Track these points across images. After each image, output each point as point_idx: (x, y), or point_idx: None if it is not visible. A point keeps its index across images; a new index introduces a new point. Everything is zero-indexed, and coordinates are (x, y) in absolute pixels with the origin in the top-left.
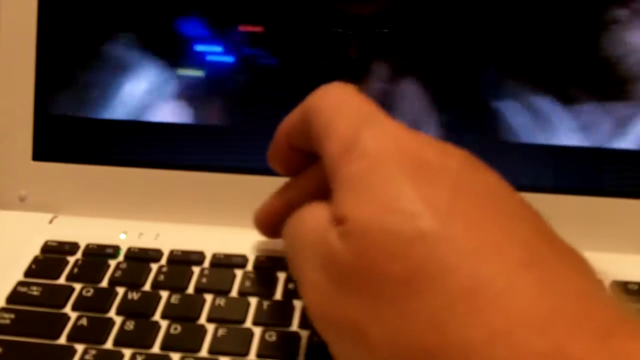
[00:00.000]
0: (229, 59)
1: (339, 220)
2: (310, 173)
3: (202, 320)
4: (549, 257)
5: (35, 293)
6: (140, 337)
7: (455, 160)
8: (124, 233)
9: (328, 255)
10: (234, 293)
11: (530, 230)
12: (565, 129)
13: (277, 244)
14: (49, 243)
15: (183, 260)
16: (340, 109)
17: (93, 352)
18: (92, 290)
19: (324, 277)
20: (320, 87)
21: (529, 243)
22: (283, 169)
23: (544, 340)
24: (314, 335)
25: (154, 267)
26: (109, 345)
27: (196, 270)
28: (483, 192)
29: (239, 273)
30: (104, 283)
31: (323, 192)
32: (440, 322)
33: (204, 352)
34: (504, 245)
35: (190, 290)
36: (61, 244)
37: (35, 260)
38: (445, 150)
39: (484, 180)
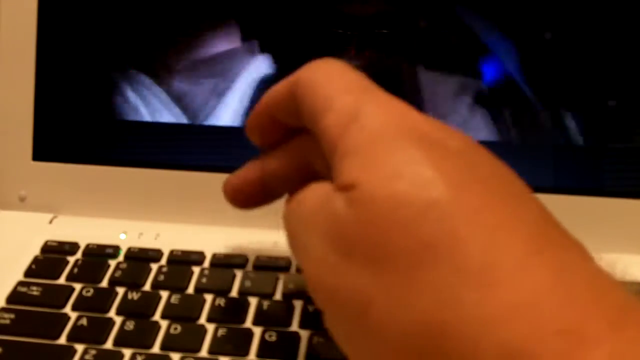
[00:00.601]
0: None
1: (345, 188)
2: (291, 146)
3: (202, 320)
4: (558, 240)
5: (35, 293)
6: (140, 337)
7: (461, 140)
8: (124, 233)
9: (333, 223)
10: (233, 293)
11: (539, 213)
12: None
13: (278, 244)
14: (49, 243)
15: (183, 260)
16: (336, 84)
17: (93, 352)
18: (92, 290)
19: (328, 247)
20: (311, 63)
21: (538, 225)
22: (260, 140)
23: (565, 317)
24: (314, 335)
25: (154, 267)
26: (109, 345)
27: (196, 270)
28: (491, 172)
29: (238, 273)
30: (104, 283)
31: (301, 167)
32: (454, 297)
33: (204, 352)
34: (516, 223)
35: (190, 290)
36: (61, 244)
37: (35, 260)
38: (450, 130)
39: (490, 162)
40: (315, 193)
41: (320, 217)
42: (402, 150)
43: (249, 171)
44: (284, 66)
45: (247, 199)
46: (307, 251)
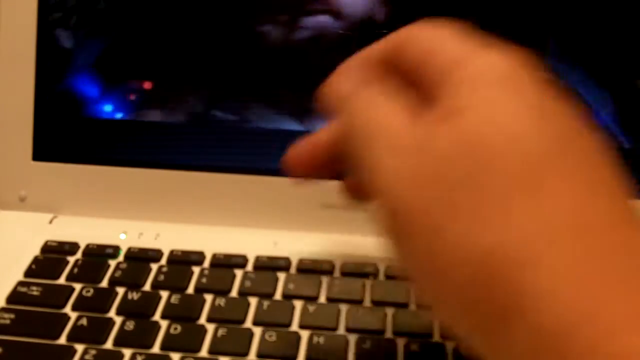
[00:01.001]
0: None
1: (447, 113)
2: None
3: (202, 320)
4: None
5: (35, 293)
6: (140, 337)
7: (570, 113)
8: (124, 233)
9: (420, 149)
10: (234, 293)
11: (617, 193)
12: None
13: (278, 244)
14: (49, 243)
15: (183, 260)
16: (443, 38)
17: (93, 352)
18: (92, 290)
19: (413, 165)
20: (411, 26)
21: (613, 200)
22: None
23: (595, 301)
24: (315, 335)
25: (154, 267)
26: (109, 345)
27: (196, 270)
28: (584, 145)
29: (239, 273)
30: (104, 283)
31: None
32: (521, 234)
33: (204, 352)
34: (597, 191)
35: (190, 290)
36: (61, 244)
37: (35, 260)
38: (561, 99)
39: (588, 139)
40: (396, 114)
41: (408, 141)
42: (514, 101)
43: (323, 135)
44: (284, 66)
45: (314, 166)
46: (385, 168)
